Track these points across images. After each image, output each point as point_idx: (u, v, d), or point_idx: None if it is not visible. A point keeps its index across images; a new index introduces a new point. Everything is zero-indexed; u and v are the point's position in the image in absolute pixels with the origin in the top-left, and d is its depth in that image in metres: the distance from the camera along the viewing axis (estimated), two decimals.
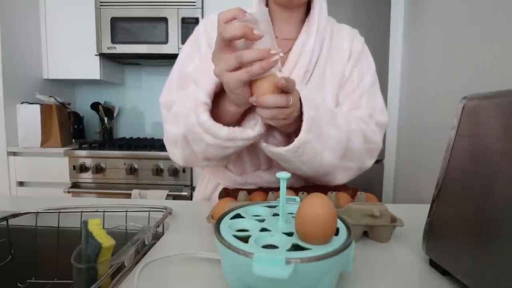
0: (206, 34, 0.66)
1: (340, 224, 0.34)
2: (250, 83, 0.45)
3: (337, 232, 0.32)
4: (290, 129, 0.53)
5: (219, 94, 0.51)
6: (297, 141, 0.49)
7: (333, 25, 0.69)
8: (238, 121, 0.56)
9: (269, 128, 0.55)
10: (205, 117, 0.49)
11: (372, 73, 0.69)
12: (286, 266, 0.26)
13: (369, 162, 0.64)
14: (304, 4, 0.66)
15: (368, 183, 2.22)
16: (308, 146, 0.50)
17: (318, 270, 0.28)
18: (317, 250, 0.28)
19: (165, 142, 0.64)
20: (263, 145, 0.54)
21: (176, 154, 0.62)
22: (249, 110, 0.54)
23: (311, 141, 0.50)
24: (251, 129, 0.52)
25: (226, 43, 0.43)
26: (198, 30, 0.68)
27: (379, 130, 0.65)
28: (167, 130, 0.61)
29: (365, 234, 0.47)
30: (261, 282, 0.28)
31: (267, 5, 0.67)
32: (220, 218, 0.36)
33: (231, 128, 0.50)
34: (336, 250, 0.28)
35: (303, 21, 0.67)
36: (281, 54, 0.42)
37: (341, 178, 0.62)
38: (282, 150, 0.51)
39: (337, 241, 0.30)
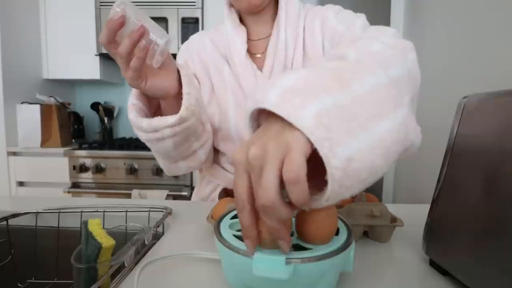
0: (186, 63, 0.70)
1: (340, 224, 0.34)
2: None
3: (337, 232, 0.32)
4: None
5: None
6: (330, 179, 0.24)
7: (307, 15, 0.65)
8: None
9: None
10: (131, 115, 0.51)
11: (362, 17, 0.61)
12: (286, 266, 0.26)
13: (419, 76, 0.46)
14: (268, 4, 0.65)
15: None
16: (353, 163, 0.24)
17: (318, 270, 0.28)
18: (317, 250, 0.28)
19: None
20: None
21: (161, 166, 0.65)
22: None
23: (352, 157, 0.24)
24: (173, 116, 0.50)
25: (109, 48, 0.42)
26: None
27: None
28: None
29: (365, 234, 0.47)
30: (261, 282, 0.28)
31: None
32: (220, 218, 0.36)
33: (151, 119, 0.50)
34: (336, 250, 0.28)
35: (275, 16, 0.67)
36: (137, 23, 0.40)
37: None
38: (323, 199, 0.25)
39: (337, 241, 0.30)
